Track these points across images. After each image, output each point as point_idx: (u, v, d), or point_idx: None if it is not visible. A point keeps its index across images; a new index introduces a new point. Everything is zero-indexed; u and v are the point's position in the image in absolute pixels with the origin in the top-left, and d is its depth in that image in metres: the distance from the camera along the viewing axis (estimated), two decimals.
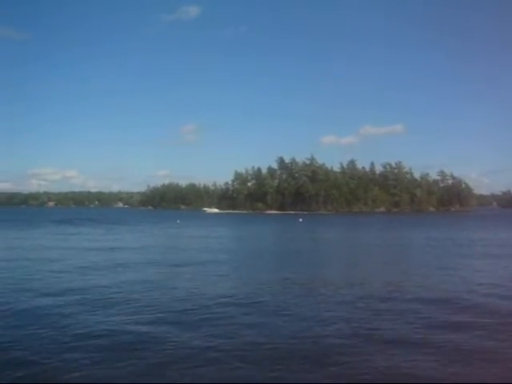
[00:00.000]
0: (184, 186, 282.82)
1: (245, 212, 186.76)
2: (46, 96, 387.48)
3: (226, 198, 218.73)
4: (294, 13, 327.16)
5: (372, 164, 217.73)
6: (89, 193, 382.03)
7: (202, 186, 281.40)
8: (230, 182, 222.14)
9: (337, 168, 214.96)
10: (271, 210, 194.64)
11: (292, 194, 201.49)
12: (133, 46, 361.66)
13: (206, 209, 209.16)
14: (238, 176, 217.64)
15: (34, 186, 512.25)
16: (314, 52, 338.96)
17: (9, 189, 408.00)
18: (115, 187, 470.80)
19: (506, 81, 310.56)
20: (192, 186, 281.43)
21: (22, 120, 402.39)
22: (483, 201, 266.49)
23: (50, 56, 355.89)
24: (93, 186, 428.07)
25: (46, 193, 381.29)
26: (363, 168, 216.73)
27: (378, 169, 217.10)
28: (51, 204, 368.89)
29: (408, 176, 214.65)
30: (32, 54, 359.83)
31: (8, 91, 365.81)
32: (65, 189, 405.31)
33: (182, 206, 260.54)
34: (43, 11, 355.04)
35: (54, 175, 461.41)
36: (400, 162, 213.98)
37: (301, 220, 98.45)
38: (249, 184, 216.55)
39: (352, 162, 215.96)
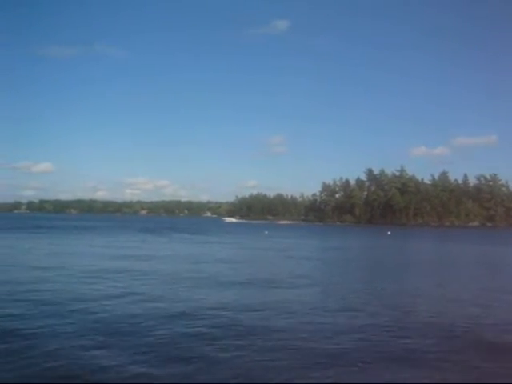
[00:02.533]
0: (272, 196, 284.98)
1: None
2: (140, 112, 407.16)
3: (314, 209, 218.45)
4: (380, 24, 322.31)
5: (465, 176, 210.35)
6: (179, 202, 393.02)
7: (289, 197, 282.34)
8: (317, 194, 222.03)
9: (428, 180, 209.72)
10: (359, 222, 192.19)
11: (381, 206, 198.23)
12: (224, 60, 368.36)
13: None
14: (326, 187, 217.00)
15: (127, 194, 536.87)
16: (401, 63, 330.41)
17: (105, 197, 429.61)
18: (204, 197, 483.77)
19: None
20: (279, 197, 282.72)
21: (125, 135, 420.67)
22: None
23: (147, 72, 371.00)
24: (183, 195, 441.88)
25: (138, 201, 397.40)
26: (456, 180, 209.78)
27: (472, 181, 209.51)
28: (143, 212, 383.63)
29: (504, 189, 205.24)
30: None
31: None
32: (156, 198, 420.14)
33: (269, 217, 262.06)
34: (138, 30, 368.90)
35: (146, 184, 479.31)
36: (495, 175, 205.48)
37: (389, 233, 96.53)
38: (337, 196, 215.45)
39: (444, 174, 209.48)
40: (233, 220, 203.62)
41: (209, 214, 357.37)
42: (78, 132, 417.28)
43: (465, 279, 27.67)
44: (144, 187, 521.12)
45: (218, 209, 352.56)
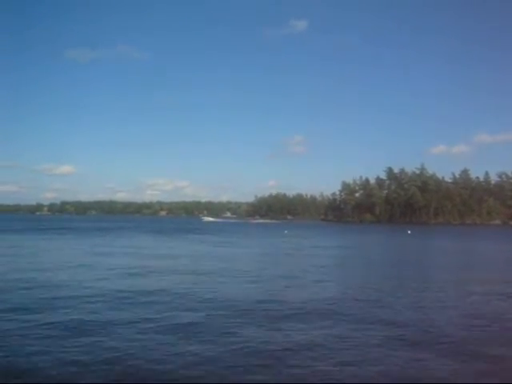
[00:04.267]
0: (291, 196, 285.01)
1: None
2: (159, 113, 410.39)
3: (333, 208, 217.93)
4: (399, 22, 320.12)
5: (486, 174, 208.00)
6: (198, 202, 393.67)
7: (308, 196, 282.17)
8: (337, 193, 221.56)
9: (448, 178, 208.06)
10: (379, 221, 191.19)
11: (401, 204, 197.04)
12: (244, 60, 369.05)
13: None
14: (346, 186, 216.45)
15: (147, 195, 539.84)
16: (421, 62, 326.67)
17: (125, 198, 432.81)
18: (224, 197, 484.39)
19: None
20: (299, 197, 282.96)
21: (144, 135, 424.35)
22: None
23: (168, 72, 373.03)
24: (203, 195, 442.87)
25: (158, 202, 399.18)
26: (477, 178, 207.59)
27: (494, 179, 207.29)
28: (163, 213, 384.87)
29: None
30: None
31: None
32: (177, 198, 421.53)
33: (289, 217, 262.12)
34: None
35: (166, 185, 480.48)
36: None
37: (409, 232, 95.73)
38: (356, 195, 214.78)
39: (465, 172, 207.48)
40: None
41: (228, 214, 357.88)
42: (98, 133, 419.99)
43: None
44: (164, 188, 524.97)
45: (238, 209, 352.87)
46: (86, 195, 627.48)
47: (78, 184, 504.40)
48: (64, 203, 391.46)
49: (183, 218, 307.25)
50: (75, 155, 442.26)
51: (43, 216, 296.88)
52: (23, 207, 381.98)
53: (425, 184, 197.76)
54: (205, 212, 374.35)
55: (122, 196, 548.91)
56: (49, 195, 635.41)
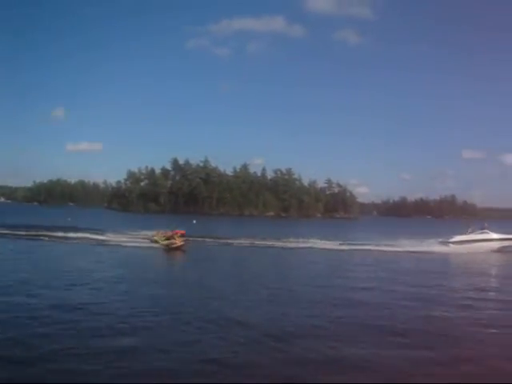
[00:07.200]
0: (73, 182, 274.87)
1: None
2: None
3: (118, 196, 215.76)
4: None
5: (264, 169, 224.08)
6: None
7: (91, 183, 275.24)
8: (122, 181, 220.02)
9: (230, 172, 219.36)
10: (164, 211, 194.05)
11: (185, 195, 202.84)
12: None
13: None
14: (131, 175, 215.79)
15: None
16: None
17: None
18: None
19: None
20: (81, 183, 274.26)
21: None
22: (365, 209, 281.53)
23: None
24: None
25: None
26: (255, 173, 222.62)
27: (270, 174, 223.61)
28: None
29: (297, 183, 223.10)
30: None
31: None
32: None
33: (70, 203, 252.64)
34: None
35: None
36: (290, 169, 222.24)
37: (195, 222, 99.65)
38: (142, 184, 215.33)
39: (244, 167, 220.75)
40: None
41: (2, 199, 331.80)
42: None
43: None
44: None
45: (13, 194, 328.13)
46: None
47: None
48: None
49: None
50: None
51: None
52: None
53: (208, 176, 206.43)
54: None
55: None
56: None
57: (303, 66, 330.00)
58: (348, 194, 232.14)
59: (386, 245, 52.06)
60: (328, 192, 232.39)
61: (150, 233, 49.90)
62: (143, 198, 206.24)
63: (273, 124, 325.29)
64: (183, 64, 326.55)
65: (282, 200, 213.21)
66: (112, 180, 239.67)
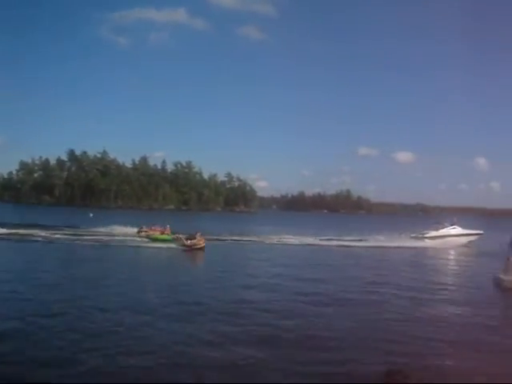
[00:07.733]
0: None
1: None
2: None
3: (9, 188, 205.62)
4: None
5: (164, 162, 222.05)
6: None
7: None
8: (14, 172, 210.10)
9: (129, 164, 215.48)
10: (59, 203, 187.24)
11: (82, 187, 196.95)
12: None
13: None
14: (24, 166, 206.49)
15: None
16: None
17: None
18: None
19: None
20: None
21: None
22: (264, 203, 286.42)
23: None
24: None
25: None
26: (155, 165, 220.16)
27: (170, 167, 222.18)
28: None
29: (198, 176, 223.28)
30: None
31: None
32: None
33: None
34: None
35: None
36: (190, 162, 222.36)
37: (92, 215, 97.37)
38: (35, 175, 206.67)
39: (144, 159, 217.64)
40: None
41: None
42: None
43: None
44: None
45: None
46: None
47: None
48: None
49: None
50: None
51: None
52: None
53: (106, 168, 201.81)
54: None
55: None
56: None
57: (205, 60, 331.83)
58: (248, 187, 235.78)
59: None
60: (228, 186, 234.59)
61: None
62: (37, 189, 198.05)
63: (173, 117, 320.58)
64: (80, 51, 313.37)
65: (182, 193, 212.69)
66: (4, 171, 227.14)
